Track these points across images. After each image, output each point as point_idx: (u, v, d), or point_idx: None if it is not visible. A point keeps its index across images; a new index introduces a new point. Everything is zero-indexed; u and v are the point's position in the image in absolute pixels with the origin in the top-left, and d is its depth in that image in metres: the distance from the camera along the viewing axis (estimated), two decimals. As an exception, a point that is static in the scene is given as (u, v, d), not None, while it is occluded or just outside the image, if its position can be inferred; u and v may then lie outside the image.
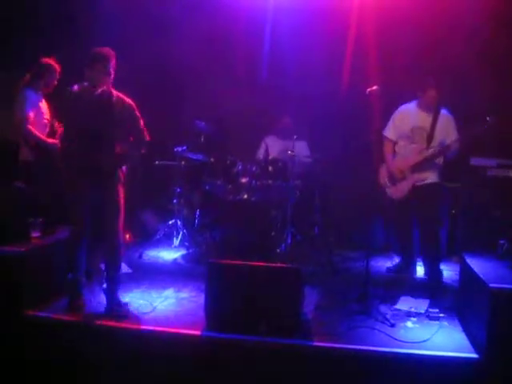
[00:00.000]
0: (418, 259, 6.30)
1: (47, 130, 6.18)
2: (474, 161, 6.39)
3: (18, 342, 4.44)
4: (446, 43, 6.95)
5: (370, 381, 4.11)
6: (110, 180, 4.78)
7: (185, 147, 7.08)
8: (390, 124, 6.12)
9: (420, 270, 6.28)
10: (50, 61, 6.14)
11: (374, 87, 5.20)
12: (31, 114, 5.95)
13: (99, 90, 4.72)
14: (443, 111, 5.90)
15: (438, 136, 5.82)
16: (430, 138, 5.82)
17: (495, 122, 5.38)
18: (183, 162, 7.26)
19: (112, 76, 4.80)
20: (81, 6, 7.45)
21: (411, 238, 6.19)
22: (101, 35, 7.17)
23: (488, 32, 6.72)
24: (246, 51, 7.94)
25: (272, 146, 7.27)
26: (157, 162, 7.43)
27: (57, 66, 6.17)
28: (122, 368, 4.25)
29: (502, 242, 4.88)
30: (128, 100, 4.86)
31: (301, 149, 7.29)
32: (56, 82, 6.22)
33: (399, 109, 6.12)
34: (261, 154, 7.39)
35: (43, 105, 6.19)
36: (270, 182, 6.66)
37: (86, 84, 4.78)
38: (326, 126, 7.58)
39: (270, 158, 6.82)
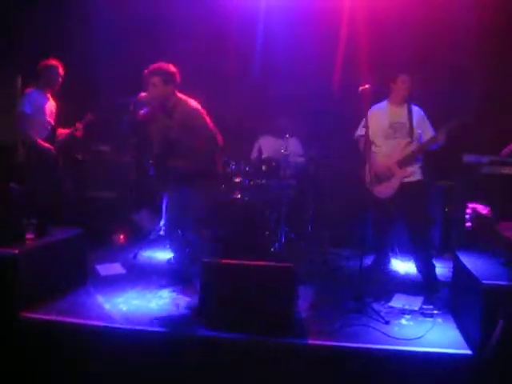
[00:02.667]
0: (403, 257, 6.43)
1: (47, 132, 6.19)
2: (467, 158, 6.40)
3: (14, 344, 4.42)
4: (439, 41, 6.98)
5: (364, 378, 4.11)
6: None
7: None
8: (363, 124, 5.90)
9: (406, 268, 6.36)
10: (51, 61, 6.19)
11: (366, 86, 5.22)
12: (29, 115, 5.98)
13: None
14: (414, 107, 5.95)
15: (416, 130, 5.86)
16: (411, 131, 5.85)
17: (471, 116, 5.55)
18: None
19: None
20: (77, 10, 7.48)
21: (388, 235, 6.26)
22: (93, 35, 7.21)
23: (481, 30, 6.74)
24: (239, 51, 7.92)
25: (267, 146, 7.28)
26: (150, 162, 7.41)
27: (58, 65, 6.19)
28: (118, 368, 4.25)
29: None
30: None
31: (294, 147, 7.30)
32: (60, 81, 6.25)
33: (370, 109, 5.91)
34: (254, 154, 7.42)
35: (47, 106, 6.20)
36: (263, 181, 6.67)
37: None
38: (318, 125, 7.58)
39: (264, 157, 6.82)
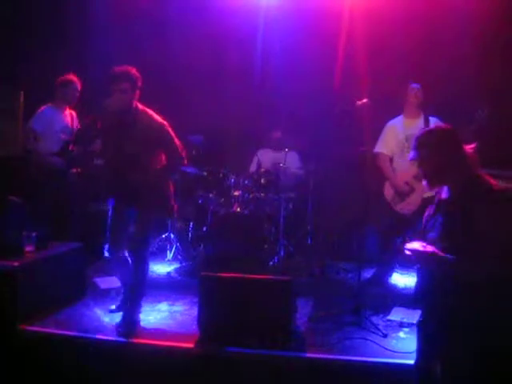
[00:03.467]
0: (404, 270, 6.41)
1: (58, 146, 6.22)
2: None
3: (13, 357, 4.42)
4: (438, 45, 6.99)
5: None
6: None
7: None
8: (381, 140, 6.06)
9: (406, 281, 6.33)
10: (69, 76, 6.25)
11: (365, 100, 5.24)
12: (41, 132, 6.03)
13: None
14: (432, 118, 5.86)
15: None
16: None
17: (490, 113, 5.41)
18: (176, 176, 7.27)
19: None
20: (76, 12, 7.52)
21: (394, 247, 6.14)
22: (93, 39, 7.24)
23: (480, 34, 6.75)
24: (238, 63, 7.96)
25: (265, 159, 7.33)
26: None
27: (76, 81, 6.25)
28: (116, 381, 4.26)
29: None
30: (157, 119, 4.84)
31: (293, 160, 7.34)
32: (78, 95, 6.30)
33: (387, 124, 6.09)
34: (253, 167, 7.48)
35: (63, 122, 6.24)
36: (262, 194, 6.70)
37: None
38: (317, 138, 7.61)
39: (263, 170, 6.85)
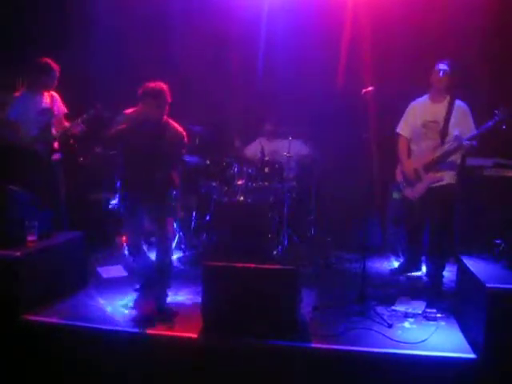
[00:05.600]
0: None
1: (39, 130, 6.16)
2: (471, 160, 6.36)
3: (16, 347, 4.42)
4: (442, 41, 6.94)
5: (367, 382, 4.10)
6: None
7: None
8: (402, 120, 5.91)
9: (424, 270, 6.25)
10: (47, 61, 6.15)
11: (370, 88, 5.18)
12: (17, 119, 5.98)
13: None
14: (458, 102, 5.61)
15: (453, 130, 5.50)
16: (443, 132, 5.54)
17: (509, 114, 5.16)
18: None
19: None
20: (79, 10, 7.47)
21: (421, 237, 6.05)
22: (94, 38, 7.20)
23: (484, 30, 6.70)
24: (241, 52, 7.92)
25: (266, 147, 7.27)
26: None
27: (54, 66, 6.17)
28: (119, 372, 4.24)
29: (498, 242, 4.85)
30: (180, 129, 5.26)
31: (297, 148, 7.28)
32: (56, 82, 6.24)
33: (411, 103, 5.90)
34: (249, 150, 7.56)
35: (42, 104, 6.18)
36: (266, 183, 6.65)
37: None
38: (322, 126, 7.57)
39: (267, 159, 6.80)
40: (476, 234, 5.99)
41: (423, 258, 6.19)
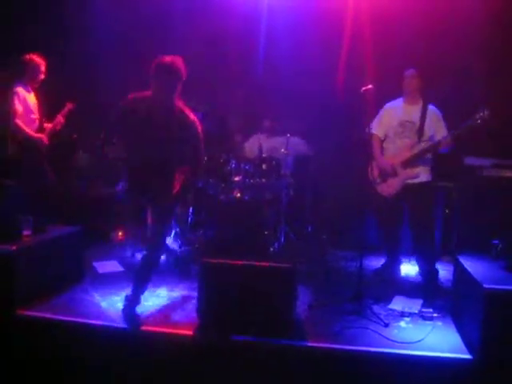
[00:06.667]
0: (405, 259, 6.38)
1: (35, 125, 6.19)
2: (469, 160, 6.37)
3: (10, 341, 4.40)
4: (441, 40, 6.93)
5: (363, 381, 4.10)
6: None
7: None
8: (376, 121, 6.04)
9: (406, 270, 6.30)
10: (33, 56, 6.17)
11: (369, 86, 5.17)
12: (19, 109, 5.97)
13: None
14: (431, 106, 5.83)
15: (428, 130, 5.74)
16: (420, 132, 5.74)
17: (489, 115, 5.27)
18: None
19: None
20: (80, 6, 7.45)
21: (398, 237, 6.14)
22: (96, 34, 7.18)
23: (484, 28, 6.69)
24: (241, 49, 7.89)
25: (263, 144, 7.25)
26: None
27: (41, 62, 6.18)
28: (113, 368, 4.22)
29: (496, 242, 4.85)
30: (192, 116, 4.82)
31: (295, 145, 7.26)
32: (42, 77, 6.24)
33: (385, 106, 6.08)
34: (247, 146, 7.53)
35: (31, 100, 6.19)
36: (263, 180, 6.63)
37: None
38: (320, 124, 7.56)
39: (264, 156, 6.78)
40: (474, 234, 5.98)
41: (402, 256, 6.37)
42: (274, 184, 6.70)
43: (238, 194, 6.53)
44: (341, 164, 7.35)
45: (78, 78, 7.23)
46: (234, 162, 6.66)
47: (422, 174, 5.80)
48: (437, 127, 5.77)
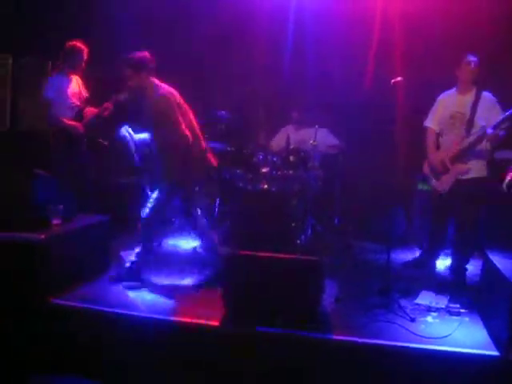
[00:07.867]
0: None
1: (72, 112, 6.22)
2: (498, 153, 6.27)
3: (43, 330, 4.45)
4: (474, 31, 6.82)
5: (389, 375, 4.06)
6: None
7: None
8: (431, 113, 5.89)
9: (440, 266, 6.18)
10: (75, 43, 6.19)
11: (399, 78, 5.12)
12: (53, 99, 6.02)
13: None
14: (485, 93, 5.55)
15: (480, 121, 5.41)
16: (469, 124, 5.48)
17: None
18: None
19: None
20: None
21: (445, 233, 6.00)
22: (119, 30, 7.20)
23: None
24: (269, 40, 7.86)
25: (290, 136, 7.22)
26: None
27: (82, 47, 6.20)
28: (140, 356, 4.25)
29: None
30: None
31: (323, 137, 7.22)
32: (84, 64, 6.27)
33: (439, 97, 5.88)
34: (275, 141, 7.52)
35: (72, 88, 6.22)
36: (290, 172, 6.59)
37: None
38: (348, 115, 7.51)
39: (292, 147, 6.76)
40: (503, 229, 5.90)
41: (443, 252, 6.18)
42: (301, 176, 6.66)
43: (266, 186, 6.51)
44: (369, 156, 7.30)
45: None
46: (261, 153, 6.65)
47: (474, 169, 5.56)
48: (492, 114, 5.41)
